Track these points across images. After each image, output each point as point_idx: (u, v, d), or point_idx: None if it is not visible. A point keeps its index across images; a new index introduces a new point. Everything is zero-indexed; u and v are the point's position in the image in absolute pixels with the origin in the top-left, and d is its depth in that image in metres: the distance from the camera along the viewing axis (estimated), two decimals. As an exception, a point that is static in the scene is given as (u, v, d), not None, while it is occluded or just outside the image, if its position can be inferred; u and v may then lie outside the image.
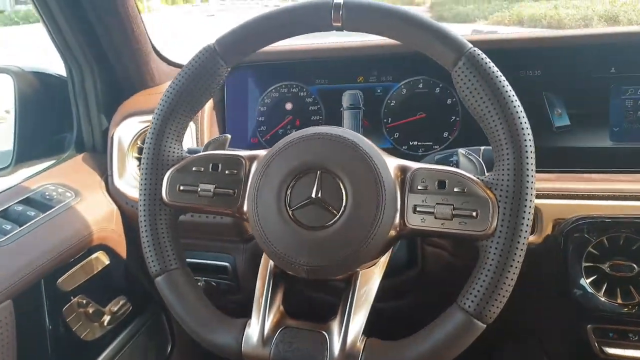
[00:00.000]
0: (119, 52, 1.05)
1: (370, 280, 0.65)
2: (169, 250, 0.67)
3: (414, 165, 0.63)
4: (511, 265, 0.57)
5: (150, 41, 1.12)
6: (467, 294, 0.59)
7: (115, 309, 1.04)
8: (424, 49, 0.62)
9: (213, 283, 1.04)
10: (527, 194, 0.58)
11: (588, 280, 0.82)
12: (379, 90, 1.03)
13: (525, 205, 0.58)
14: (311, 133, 0.64)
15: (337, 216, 0.60)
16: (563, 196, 0.86)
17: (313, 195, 0.62)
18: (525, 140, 0.59)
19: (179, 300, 0.66)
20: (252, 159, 0.68)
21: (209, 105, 1.04)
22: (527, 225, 0.58)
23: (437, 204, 0.59)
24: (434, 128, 1.00)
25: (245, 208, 0.66)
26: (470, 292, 0.58)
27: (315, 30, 0.66)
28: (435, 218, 0.58)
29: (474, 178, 0.60)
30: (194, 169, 0.69)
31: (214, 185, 0.68)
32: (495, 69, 0.60)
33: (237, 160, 0.68)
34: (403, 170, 0.62)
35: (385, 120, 1.03)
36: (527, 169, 0.58)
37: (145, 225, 0.67)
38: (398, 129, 1.02)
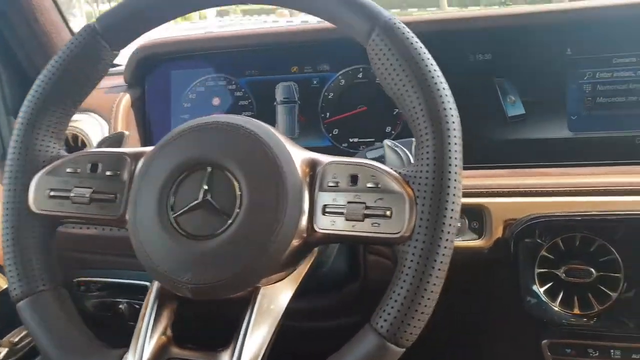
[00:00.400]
0: (25, 48, 0.94)
1: (276, 299, 0.54)
2: (35, 270, 0.57)
3: (325, 158, 0.54)
4: (431, 275, 0.47)
5: (71, 31, 1.01)
6: (380, 311, 0.49)
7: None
8: (335, 21, 0.53)
9: (136, 305, 0.93)
10: (449, 187, 0.48)
11: (542, 289, 0.72)
12: (315, 82, 0.93)
13: (448, 202, 0.48)
14: (202, 122, 0.54)
15: (229, 222, 0.50)
16: (515, 193, 0.76)
17: (200, 197, 0.51)
18: (448, 123, 0.50)
19: (43, 327, 0.55)
20: (137, 156, 0.58)
21: (125, 102, 0.93)
22: (452, 225, 0.48)
23: (348, 202, 0.50)
24: (376, 122, 0.91)
25: (127, 216, 0.56)
26: (384, 309, 0.49)
27: (214, 5, 0.57)
28: (346, 220, 0.50)
29: (390, 171, 0.51)
30: (68, 170, 0.58)
31: (91, 189, 0.57)
32: (416, 39, 0.51)
33: (120, 158, 0.58)
34: (312, 165, 0.53)
35: (323, 115, 0.93)
36: (450, 158, 0.49)
37: (6, 240, 0.57)
38: (337, 125, 0.92)
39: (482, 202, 0.76)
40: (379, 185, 0.50)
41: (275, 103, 0.94)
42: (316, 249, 0.57)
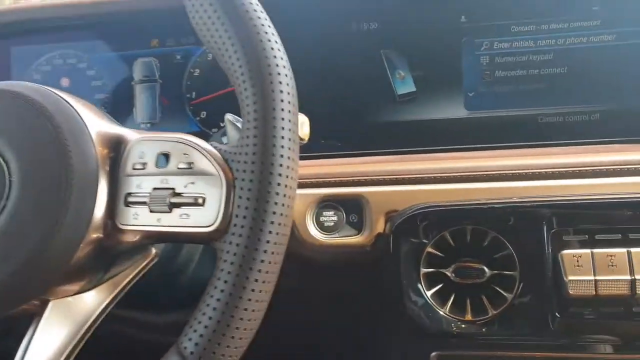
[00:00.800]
0: None
1: (77, 314, 0.43)
2: None
3: (135, 135, 0.43)
4: (251, 279, 0.37)
5: None
6: (188, 328, 0.38)
7: None
8: None
9: None
10: (276, 165, 0.38)
11: (429, 292, 0.61)
12: (178, 57, 0.79)
13: (272, 184, 0.38)
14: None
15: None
16: (397, 181, 0.65)
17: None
18: (273, 83, 0.39)
19: None
20: None
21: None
22: (281, 215, 0.38)
23: (153, 189, 0.41)
24: (250, 103, 0.77)
25: None
26: (192, 325, 0.38)
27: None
28: (150, 211, 0.40)
29: (208, 148, 0.41)
30: None
31: None
32: None
33: None
34: (116, 143, 0.44)
35: (188, 96, 0.79)
36: (277, 129, 0.38)
37: None
38: (205, 106, 0.79)
39: (360, 192, 0.65)
40: (192, 166, 0.40)
41: (132, 83, 0.80)
42: (153, 250, 0.46)
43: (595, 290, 0.56)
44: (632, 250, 0.56)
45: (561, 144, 0.70)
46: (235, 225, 0.38)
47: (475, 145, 0.71)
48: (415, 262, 0.61)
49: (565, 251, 0.57)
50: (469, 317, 0.60)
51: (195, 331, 0.37)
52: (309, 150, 0.74)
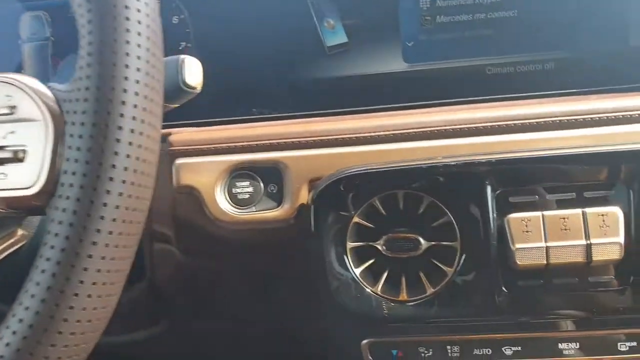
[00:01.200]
0: None
1: None
2: None
3: None
4: (89, 257, 0.29)
5: None
6: (7, 322, 0.30)
7: None
8: None
9: None
10: (116, 103, 0.30)
11: (358, 270, 0.52)
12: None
13: (110, 127, 0.29)
14: None
15: None
16: (322, 143, 0.55)
17: None
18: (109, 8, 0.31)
19: None
20: None
21: None
22: (130, 171, 0.30)
23: None
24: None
25: None
26: (7, 321, 0.30)
27: None
28: None
29: (38, 87, 0.33)
30: None
31: None
32: None
33: None
34: None
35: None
36: (120, 57, 0.30)
37: None
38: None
39: (278, 158, 0.55)
40: (14, 111, 0.32)
41: (20, 42, 0.68)
42: (20, 231, 0.40)
43: (547, 259, 0.48)
44: (588, 210, 0.48)
45: (512, 97, 0.62)
46: (63, 185, 0.29)
47: (416, 103, 0.62)
48: (340, 235, 0.52)
49: (512, 215, 0.49)
50: (404, 296, 0.52)
51: (7, 328, 0.29)
52: (222, 113, 0.64)
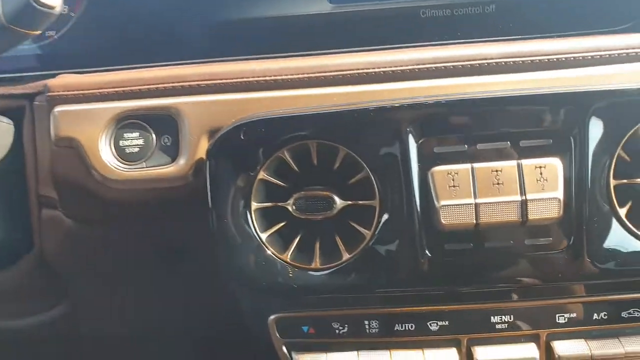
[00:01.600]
0: None
1: None
2: None
3: None
4: None
5: None
6: None
7: None
8: None
9: None
10: None
11: (264, 235, 0.45)
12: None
13: None
14: None
15: None
16: (225, 88, 0.47)
17: None
18: None
19: None
20: None
21: None
22: None
23: None
24: None
25: None
26: None
27: None
28: None
29: None
30: None
31: None
32: None
33: None
34: None
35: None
36: None
37: None
38: None
39: (173, 104, 0.47)
40: None
41: None
42: None
43: (476, 218, 0.41)
44: (524, 162, 0.42)
45: (449, 44, 0.54)
46: None
47: (341, 50, 0.55)
48: (244, 195, 0.45)
49: (437, 168, 0.42)
50: (316, 264, 0.45)
51: None
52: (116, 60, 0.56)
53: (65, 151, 0.49)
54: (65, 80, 0.49)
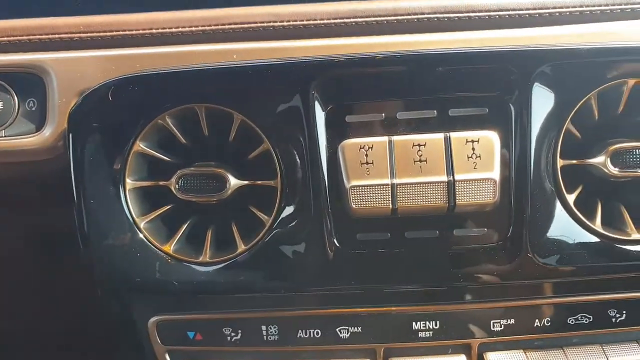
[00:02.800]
0: None
1: None
2: None
3: None
4: None
5: None
6: None
7: None
8: None
9: None
10: None
11: (143, 222, 0.37)
12: None
13: None
14: None
15: None
16: (101, 43, 0.39)
17: None
18: None
19: None
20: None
21: None
22: None
23: None
24: None
25: None
26: None
27: None
28: None
29: None
30: None
31: None
32: None
33: None
34: None
35: None
36: None
37: None
38: None
39: (39, 60, 0.39)
40: None
41: None
42: None
43: (393, 202, 0.34)
44: (453, 135, 0.34)
45: None
46: None
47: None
48: (117, 170, 0.36)
49: (348, 140, 0.35)
50: (206, 257, 0.36)
51: None
52: None
53: None
54: None
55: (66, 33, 0.39)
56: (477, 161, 0.34)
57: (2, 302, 0.46)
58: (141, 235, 0.37)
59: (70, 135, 0.36)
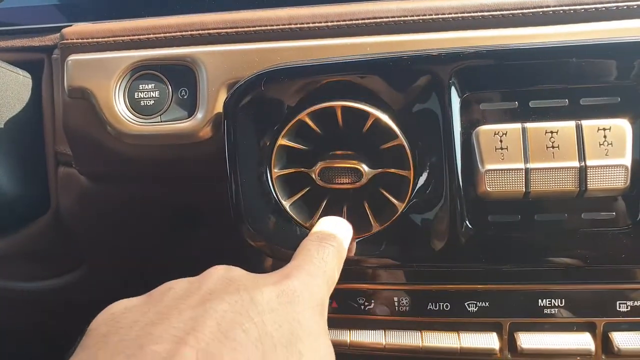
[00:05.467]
0: None
1: None
2: None
3: None
4: None
5: None
6: None
7: None
8: None
9: None
10: None
11: (287, 203, 0.41)
12: None
13: None
14: None
15: None
16: (247, 37, 0.43)
17: None
18: None
19: None
20: None
21: None
22: None
23: None
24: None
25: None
26: None
27: None
28: None
29: None
30: None
31: None
32: None
33: None
34: None
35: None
36: None
37: None
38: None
39: (191, 53, 0.43)
40: None
41: None
42: None
43: (526, 186, 0.36)
44: (584, 123, 0.36)
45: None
46: None
47: None
48: (263, 159, 0.40)
49: (483, 127, 0.37)
50: (342, 233, 0.40)
51: None
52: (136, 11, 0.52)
53: (79, 103, 0.46)
54: (79, 28, 0.46)
55: (214, 29, 0.43)
56: (608, 148, 0.36)
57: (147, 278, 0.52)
58: (289, 215, 0.40)
59: (225, 122, 0.40)
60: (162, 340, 0.21)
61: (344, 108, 0.39)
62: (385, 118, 0.38)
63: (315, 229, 0.36)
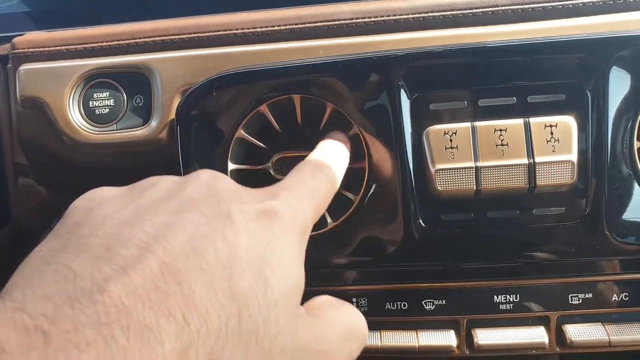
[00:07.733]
0: None
1: None
2: None
3: None
4: None
5: None
6: None
7: None
8: None
9: None
10: None
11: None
12: None
13: None
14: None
15: None
16: (200, 42, 0.43)
17: None
18: None
19: None
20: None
21: None
22: None
23: None
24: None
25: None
26: None
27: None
28: None
29: None
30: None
31: None
32: None
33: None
34: None
35: None
36: None
37: None
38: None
39: (145, 61, 0.43)
40: None
41: None
42: None
43: (477, 184, 0.36)
44: (532, 120, 0.36)
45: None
46: None
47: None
48: (219, 155, 0.40)
49: (433, 127, 0.37)
50: (299, 235, 0.40)
51: None
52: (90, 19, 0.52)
53: (33, 113, 0.45)
54: (31, 37, 0.45)
55: (166, 35, 0.43)
56: (555, 144, 0.36)
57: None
58: None
59: (178, 128, 0.40)
60: (130, 245, 0.20)
61: (303, 101, 0.39)
62: (342, 109, 0.38)
63: (314, 153, 0.35)
